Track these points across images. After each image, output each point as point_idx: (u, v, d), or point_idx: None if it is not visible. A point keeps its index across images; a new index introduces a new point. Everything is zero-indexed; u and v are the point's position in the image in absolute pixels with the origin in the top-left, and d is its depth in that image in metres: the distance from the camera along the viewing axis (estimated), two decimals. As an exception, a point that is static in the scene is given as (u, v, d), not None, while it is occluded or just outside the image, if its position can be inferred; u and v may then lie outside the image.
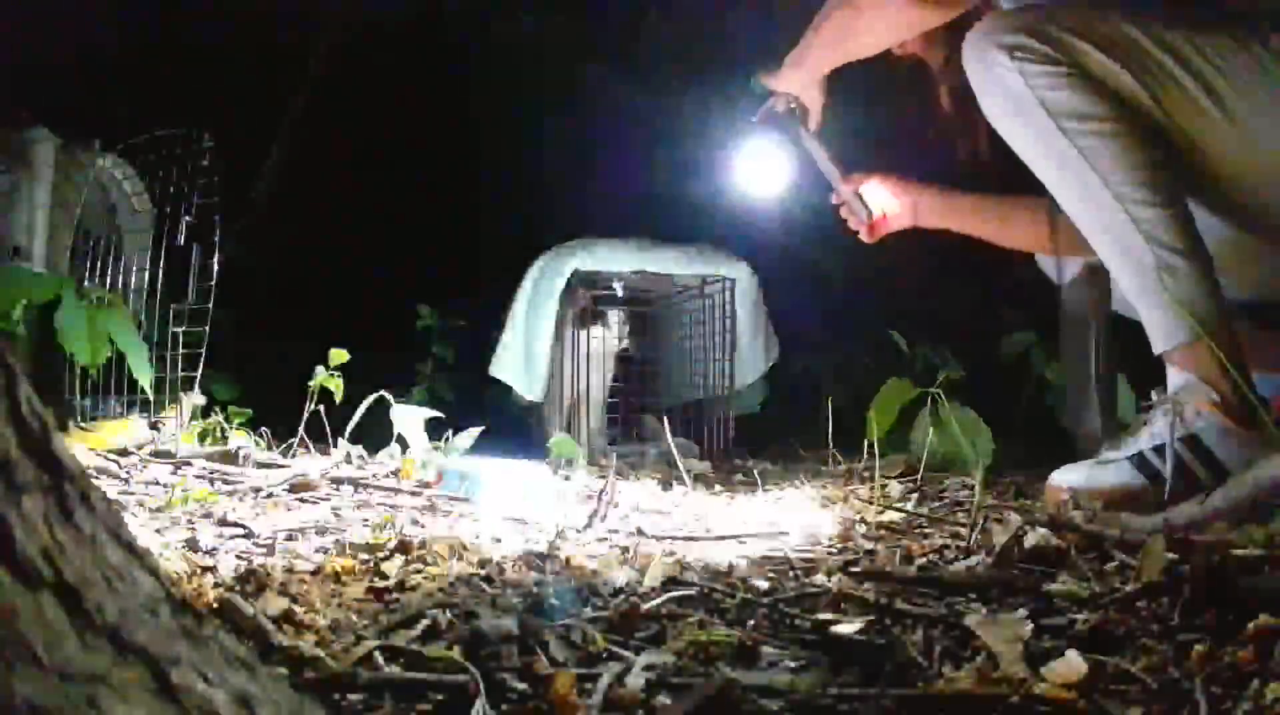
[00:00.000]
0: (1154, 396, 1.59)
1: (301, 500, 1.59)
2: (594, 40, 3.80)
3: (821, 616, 0.96)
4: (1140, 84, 1.50)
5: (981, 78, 1.56)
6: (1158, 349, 1.54)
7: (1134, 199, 1.48)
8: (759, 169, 2.09)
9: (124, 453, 1.90)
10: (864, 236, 2.05)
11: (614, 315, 2.61)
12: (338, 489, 1.71)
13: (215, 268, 2.27)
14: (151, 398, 2.14)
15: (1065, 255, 1.88)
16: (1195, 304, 1.48)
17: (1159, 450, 1.52)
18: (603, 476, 1.72)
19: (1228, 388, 1.46)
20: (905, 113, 2.14)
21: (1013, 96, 1.52)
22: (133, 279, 2.32)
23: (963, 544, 1.29)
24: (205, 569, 1.06)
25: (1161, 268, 1.47)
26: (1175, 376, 1.54)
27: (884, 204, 2.04)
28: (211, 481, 1.71)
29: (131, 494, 1.57)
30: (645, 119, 3.92)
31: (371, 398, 2.10)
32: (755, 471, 2.13)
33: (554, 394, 2.58)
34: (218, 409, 2.29)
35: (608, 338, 2.61)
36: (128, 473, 1.76)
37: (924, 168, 2.08)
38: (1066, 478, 1.63)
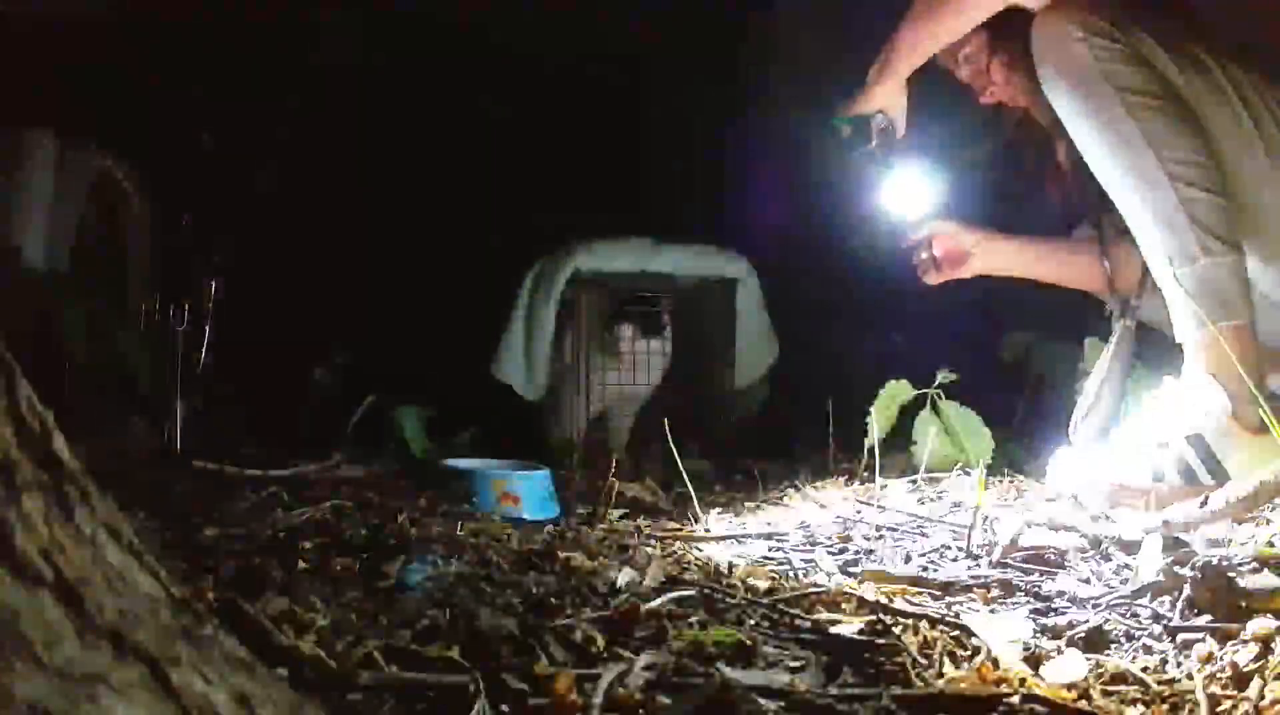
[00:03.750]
0: (1164, 384, 1.59)
1: (301, 500, 1.59)
2: (592, 38, 3.80)
3: (821, 616, 0.96)
4: (1196, 97, 1.54)
5: (1047, 47, 1.59)
6: (1179, 335, 1.54)
7: (1185, 179, 1.50)
8: (904, 196, 2.04)
9: (125, 453, 1.89)
10: (929, 280, 2.07)
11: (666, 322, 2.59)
12: (337, 489, 1.71)
13: (215, 267, 2.27)
14: (151, 398, 2.14)
15: (1119, 292, 1.89)
16: (1225, 294, 1.48)
17: (1162, 449, 1.53)
18: (604, 477, 1.72)
19: (1238, 386, 1.46)
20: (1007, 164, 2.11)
21: (1077, 66, 1.55)
22: (132, 279, 2.32)
23: (962, 544, 1.29)
24: (205, 569, 1.06)
25: (1200, 250, 1.48)
26: (1190, 366, 1.53)
27: (950, 250, 2.05)
28: (212, 481, 1.70)
29: (133, 494, 1.57)
30: (653, 117, 3.91)
31: (372, 398, 2.10)
32: (755, 471, 2.13)
33: (571, 395, 2.56)
34: (218, 409, 2.29)
35: (657, 344, 2.59)
36: (129, 473, 1.75)
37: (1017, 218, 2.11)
38: (1068, 471, 1.64)
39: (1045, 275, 2.07)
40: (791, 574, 1.19)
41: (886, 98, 1.84)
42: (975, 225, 2.06)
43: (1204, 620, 0.89)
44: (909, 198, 2.02)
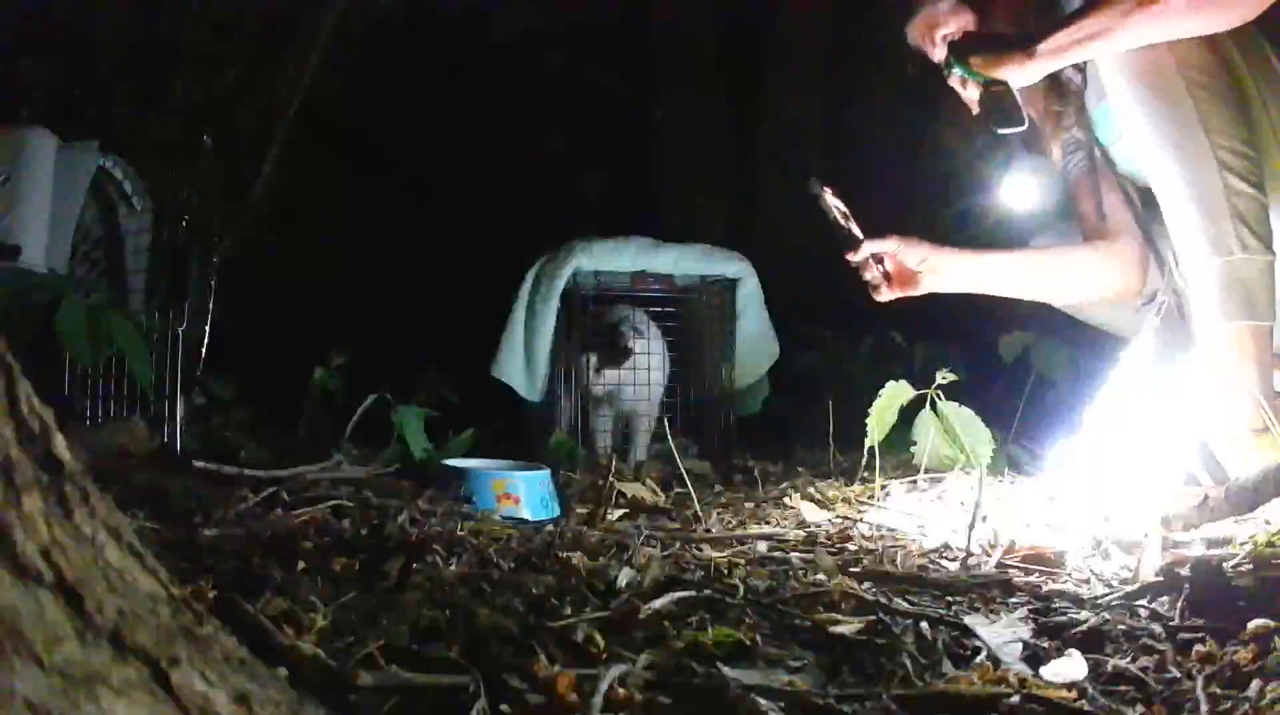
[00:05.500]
0: (1167, 382, 1.59)
1: (301, 500, 1.59)
2: (590, 36, 3.80)
3: (821, 616, 0.96)
4: (1255, 83, 1.50)
5: None
6: (1198, 325, 1.52)
7: (1234, 169, 1.46)
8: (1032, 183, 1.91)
9: (125, 453, 1.89)
10: (879, 297, 1.93)
11: (649, 328, 2.56)
12: (337, 489, 1.71)
13: (215, 267, 2.27)
14: (152, 398, 2.14)
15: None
16: (1253, 293, 1.46)
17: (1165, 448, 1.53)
18: (604, 477, 1.72)
19: (1248, 385, 1.45)
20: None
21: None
22: (132, 279, 2.32)
23: (962, 544, 1.29)
24: (205, 569, 1.06)
25: (1237, 244, 1.45)
26: (1203, 359, 1.52)
27: (902, 267, 1.92)
28: (212, 481, 1.70)
29: (133, 494, 1.57)
30: (648, 116, 3.92)
31: (372, 398, 2.10)
32: (755, 471, 2.13)
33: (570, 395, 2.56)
34: (218, 409, 2.29)
35: (657, 345, 2.58)
36: (129, 473, 1.75)
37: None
38: (1071, 463, 1.64)
39: (1006, 290, 1.95)
40: (791, 574, 1.19)
41: (1039, 75, 1.59)
42: (923, 241, 1.91)
43: (1204, 620, 0.89)
44: (1028, 193, 1.90)
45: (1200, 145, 1.46)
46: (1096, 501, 1.50)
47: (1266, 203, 1.47)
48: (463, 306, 2.86)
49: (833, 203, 1.92)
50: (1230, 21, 1.42)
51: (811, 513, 1.66)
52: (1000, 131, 1.66)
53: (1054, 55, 1.53)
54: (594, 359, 2.47)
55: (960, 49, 1.65)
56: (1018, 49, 1.56)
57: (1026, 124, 1.65)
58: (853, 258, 1.91)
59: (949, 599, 1.05)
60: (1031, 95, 1.76)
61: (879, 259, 1.90)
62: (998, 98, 1.61)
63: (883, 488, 1.83)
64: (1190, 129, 1.47)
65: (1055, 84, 1.73)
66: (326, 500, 1.53)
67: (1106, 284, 1.85)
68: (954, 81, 1.67)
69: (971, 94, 1.66)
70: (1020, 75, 1.58)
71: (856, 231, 1.92)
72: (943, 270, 1.90)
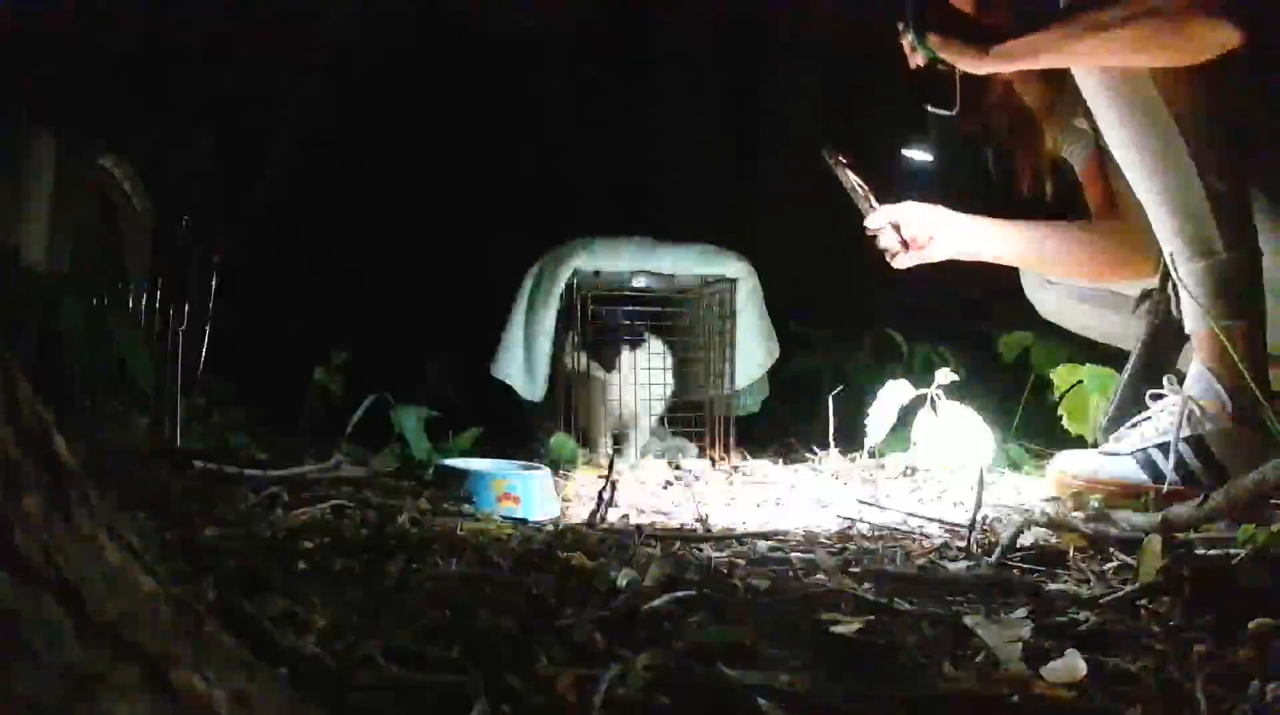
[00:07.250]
0: (1166, 383, 1.59)
1: (301, 500, 1.59)
2: (592, 36, 3.80)
3: (821, 616, 0.96)
4: (1234, 84, 1.49)
5: None
6: (1189, 328, 1.52)
7: (1212, 170, 1.45)
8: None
9: (125, 453, 1.89)
10: (897, 264, 1.96)
11: (651, 343, 2.56)
12: (337, 489, 1.71)
13: (215, 267, 2.27)
14: (151, 398, 2.14)
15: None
16: (1240, 292, 1.46)
17: (1163, 447, 1.52)
18: (603, 476, 1.72)
19: (1241, 385, 1.45)
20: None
21: None
22: (132, 279, 2.32)
23: (963, 544, 1.29)
24: (205, 569, 1.06)
25: (1221, 245, 1.45)
26: (1196, 362, 1.53)
27: (919, 232, 1.94)
28: (212, 481, 1.70)
29: (133, 494, 1.57)
30: (647, 113, 3.92)
31: (372, 398, 2.10)
32: (756, 471, 2.13)
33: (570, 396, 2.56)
34: (218, 409, 2.29)
35: (657, 346, 2.58)
36: (129, 473, 1.75)
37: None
38: (1072, 465, 1.63)
39: (1020, 259, 1.96)
40: (791, 574, 1.19)
41: (985, 73, 1.62)
42: (940, 205, 1.94)
43: (1204, 620, 0.89)
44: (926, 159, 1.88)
45: (1175, 147, 1.46)
46: (1095, 500, 1.50)
47: (1248, 201, 1.48)
48: (463, 307, 2.86)
49: (848, 173, 1.95)
50: (1177, 63, 1.43)
51: (811, 512, 1.66)
52: (930, 109, 1.67)
53: (1005, 60, 1.55)
54: (585, 359, 2.47)
55: (924, 22, 1.63)
56: (975, 45, 1.57)
57: (956, 110, 1.66)
58: (870, 224, 1.94)
59: (949, 599, 1.05)
60: (1029, 83, 1.76)
61: (896, 226, 1.93)
62: (939, 77, 1.61)
63: (883, 487, 1.83)
64: (1167, 131, 1.47)
65: (1053, 73, 1.73)
66: (326, 500, 1.53)
67: (1118, 260, 1.85)
68: (905, 43, 1.66)
69: (917, 61, 1.65)
70: (968, 67, 1.59)
71: (873, 200, 1.96)
72: (960, 236, 1.93)
